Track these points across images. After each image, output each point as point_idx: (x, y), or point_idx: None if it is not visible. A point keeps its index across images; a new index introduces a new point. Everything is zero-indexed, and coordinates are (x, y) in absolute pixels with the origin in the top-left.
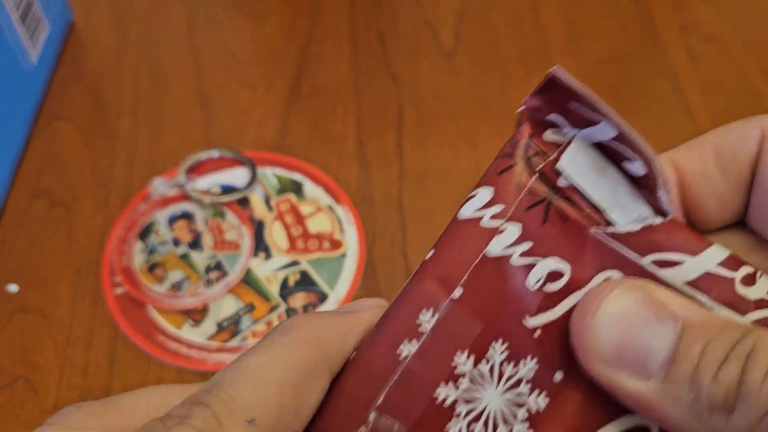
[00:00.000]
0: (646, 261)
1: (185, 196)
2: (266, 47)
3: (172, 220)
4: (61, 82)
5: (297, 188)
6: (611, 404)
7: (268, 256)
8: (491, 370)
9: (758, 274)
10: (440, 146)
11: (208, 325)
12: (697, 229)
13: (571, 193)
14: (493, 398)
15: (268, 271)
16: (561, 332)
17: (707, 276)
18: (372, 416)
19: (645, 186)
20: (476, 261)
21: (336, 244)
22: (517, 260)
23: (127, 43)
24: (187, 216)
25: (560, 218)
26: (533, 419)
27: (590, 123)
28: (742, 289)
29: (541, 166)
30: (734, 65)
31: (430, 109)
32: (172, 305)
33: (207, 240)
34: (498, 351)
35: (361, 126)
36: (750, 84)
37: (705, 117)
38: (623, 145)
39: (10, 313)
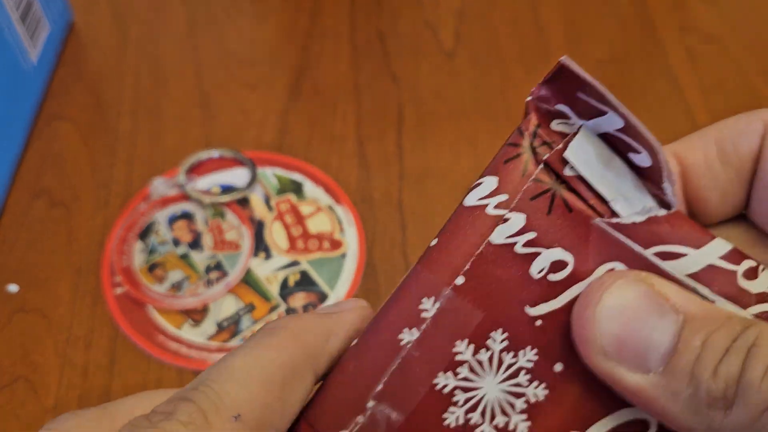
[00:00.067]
0: (650, 253)
1: (185, 196)
2: (266, 47)
3: (172, 220)
4: (61, 82)
5: (297, 188)
6: (610, 397)
7: (268, 256)
8: (490, 359)
9: (760, 267)
10: (440, 146)
11: (208, 325)
12: (699, 221)
13: (577, 184)
14: (491, 387)
15: (268, 271)
16: (562, 323)
17: (710, 269)
18: (370, 405)
19: (650, 178)
20: (479, 249)
21: (336, 244)
22: (520, 249)
23: (127, 43)
24: (187, 216)
25: (565, 208)
26: (532, 410)
27: (597, 114)
28: (744, 283)
29: (547, 155)
30: (734, 65)
31: (430, 109)
32: (172, 305)
33: (207, 240)
34: (498, 340)
35: (361, 126)
36: (750, 84)
37: (705, 117)
38: (629, 137)
39: (10, 313)
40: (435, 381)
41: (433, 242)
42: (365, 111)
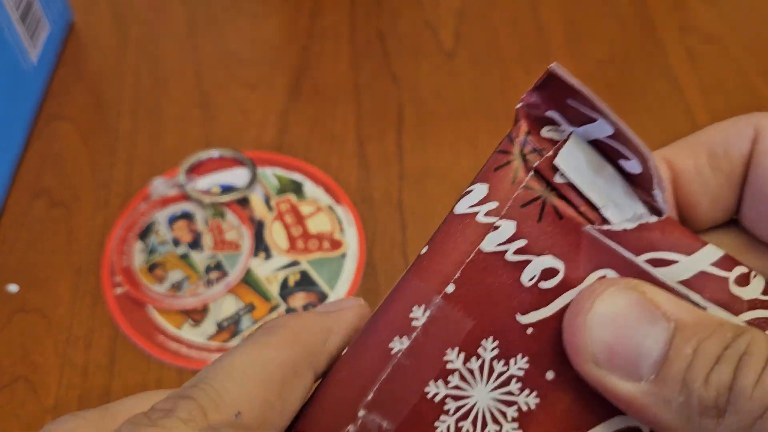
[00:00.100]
0: (641, 260)
1: (185, 196)
2: (266, 47)
3: (172, 220)
4: (61, 82)
5: (297, 188)
6: (603, 405)
7: (268, 256)
8: (481, 367)
9: (752, 274)
10: (440, 146)
11: (208, 325)
12: (690, 227)
13: (567, 191)
14: (481, 396)
15: (268, 271)
16: (554, 330)
17: (701, 275)
18: (361, 414)
19: (640, 184)
20: (470, 257)
21: (336, 244)
22: (511, 257)
23: (127, 43)
24: (187, 216)
25: (555, 216)
26: (523, 418)
27: (587, 120)
28: (735, 289)
29: (537, 163)
30: (734, 65)
31: (430, 109)
32: (172, 305)
33: (207, 240)
34: (488, 348)
35: (361, 126)
36: (750, 84)
37: (705, 117)
38: (619, 143)
39: (10, 313)
40: (426, 389)
41: (424, 250)
42: (365, 111)
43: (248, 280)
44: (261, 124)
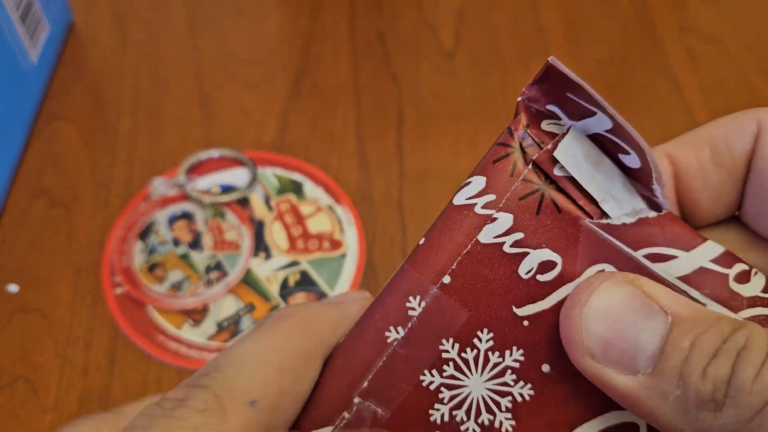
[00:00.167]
0: (640, 255)
1: (185, 196)
2: (266, 47)
3: (172, 220)
4: (61, 82)
5: (297, 188)
6: (599, 398)
7: (268, 256)
8: (476, 357)
9: (753, 271)
10: (440, 146)
11: (208, 325)
12: (692, 222)
13: (566, 184)
14: (476, 386)
15: (268, 271)
16: (550, 323)
17: (701, 271)
18: (356, 401)
19: (640, 179)
20: (467, 249)
21: (336, 244)
22: (508, 249)
23: (127, 43)
24: (187, 216)
25: (554, 209)
26: (517, 409)
27: (587, 114)
28: (735, 286)
29: (536, 156)
30: (734, 65)
31: (430, 109)
32: (172, 305)
33: (207, 240)
34: (484, 339)
35: (361, 126)
36: (750, 84)
37: (705, 117)
38: (618, 138)
39: (10, 313)
40: (421, 378)
41: (421, 241)
42: (365, 111)
43: (248, 280)
44: (261, 124)
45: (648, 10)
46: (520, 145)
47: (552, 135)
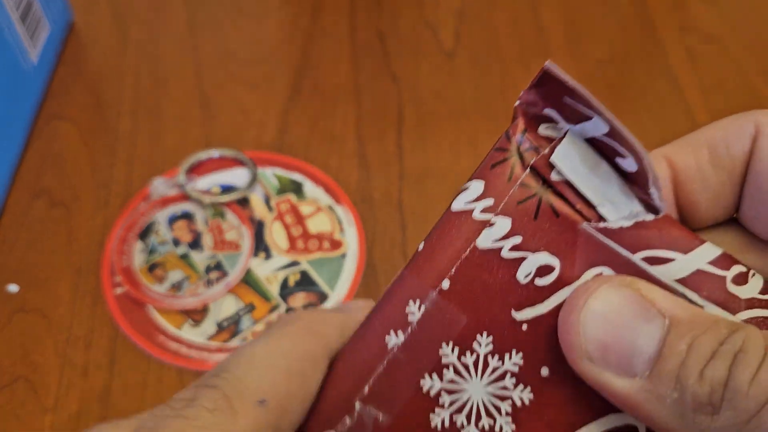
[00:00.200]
0: (637, 257)
1: (185, 196)
2: (266, 47)
3: (172, 220)
4: (61, 82)
5: (297, 188)
6: (598, 401)
7: (268, 256)
8: (476, 362)
9: (750, 273)
10: (440, 146)
11: (208, 325)
12: (690, 225)
13: (564, 188)
14: (476, 390)
15: (268, 271)
16: (549, 327)
17: (698, 274)
18: (357, 406)
19: (637, 182)
20: (465, 253)
21: (336, 244)
22: (507, 254)
23: (127, 43)
24: (187, 216)
25: (552, 213)
26: (517, 413)
27: (584, 118)
28: (733, 288)
29: (534, 160)
30: (734, 65)
31: (430, 109)
32: (172, 305)
33: (207, 240)
34: (483, 343)
35: (361, 126)
36: (750, 84)
37: (705, 117)
38: (615, 141)
39: (10, 313)
40: (421, 383)
41: (420, 246)
42: (365, 111)
43: (248, 280)
44: (261, 124)
45: (648, 10)
46: (518, 149)
47: (549, 139)
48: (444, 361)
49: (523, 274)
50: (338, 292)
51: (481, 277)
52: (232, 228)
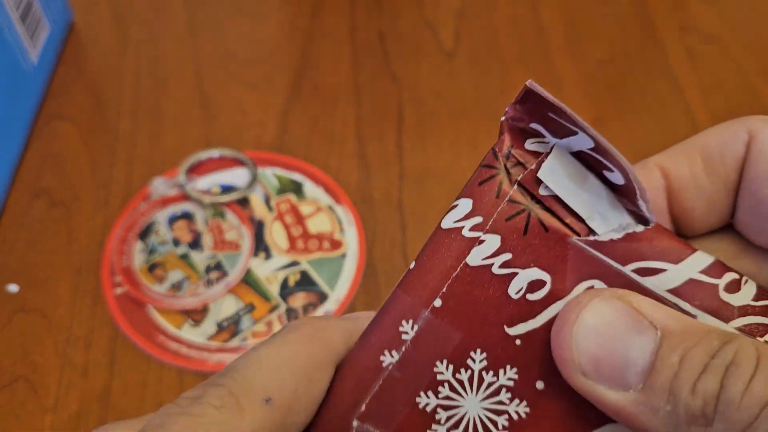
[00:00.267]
0: (629, 269)
1: (185, 196)
2: (266, 47)
3: (172, 220)
4: (61, 82)
5: (297, 188)
6: (593, 413)
7: (268, 256)
8: (471, 378)
9: (743, 280)
10: (440, 146)
11: (208, 325)
12: (685, 233)
13: (552, 203)
14: (472, 406)
15: (268, 271)
16: (542, 341)
17: (690, 283)
18: (355, 424)
19: (625, 195)
20: (456, 272)
21: (336, 244)
22: (497, 270)
23: (127, 43)
24: (187, 216)
25: (541, 228)
26: (514, 427)
27: (570, 133)
28: (726, 296)
29: (521, 176)
30: (734, 65)
31: (430, 109)
32: (172, 305)
33: (207, 240)
34: (477, 360)
35: (361, 126)
36: (750, 84)
37: (705, 117)
38: (601, 156)
39: (10, 313)
40: (417, 400)
41: (412, 265)
42: (365, 111)
43: (248, 280)
44: (261, 124)
45: (648, 10)
46: (505, 166)
47: (536, 154)
48: (439, 378)
49: (514, 290)
50: (338, 292)
51: (473, 294)
52: (232, 228)
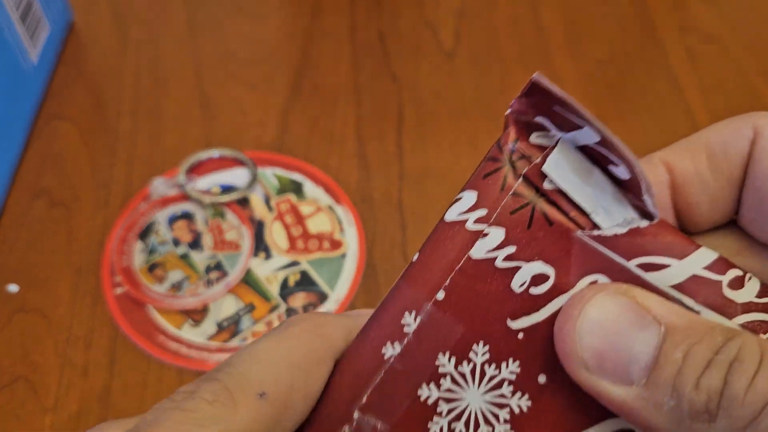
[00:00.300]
0: (632, 264)
1: (185, 196)
2: (266, 47)
3: (172, 220)
4: (61, 82)
5: (297, 188)
6: (595, 407)
7: (268, 256)
8: (473, 371)
9: (747, 277)
10: (440, 146)
11: (208, 325)
12: (689, 229)
13: (557, 197)
14: (473, 398)
15: (268, 271)
16: (545, 335)
17: (694, 279)
18: (356, 415)
19: (630, 189)
20: (459, 264)
21: (336, 244)
22: (501, 264)
23: (127, 43)
24: (187, 216)
25: (545, 222)
26: (515, 420)
27: (575, 126)
28: (729, 293)
29: (526, 169)
30: (734, 65)
31: (430, 109)
32: (172, 305)
33: (207, 240)
34: (479, 353)
35: (361, 126)
36: (750, 84)
37: (705, 117)
38: (607, 150)
39: (10, 313)
40: (419, 392)
41: (415, 257)
42: (365, 111)
43: (248, 280)
44: (261, 124)
45: (648, 10)
46: (510, 159)
47: (541, 148)
48: (441, 370)
49: (517, 283)
50: (338, 292)
51: (476, 287)
52: (232, 228)
